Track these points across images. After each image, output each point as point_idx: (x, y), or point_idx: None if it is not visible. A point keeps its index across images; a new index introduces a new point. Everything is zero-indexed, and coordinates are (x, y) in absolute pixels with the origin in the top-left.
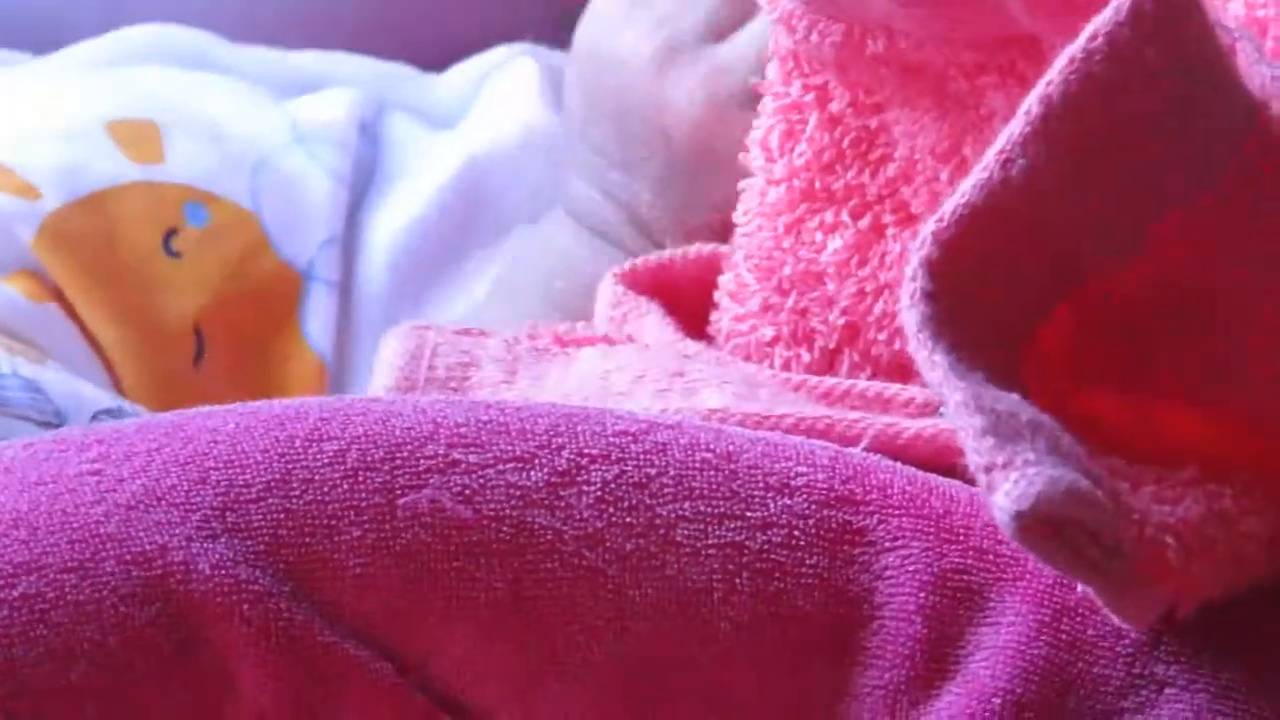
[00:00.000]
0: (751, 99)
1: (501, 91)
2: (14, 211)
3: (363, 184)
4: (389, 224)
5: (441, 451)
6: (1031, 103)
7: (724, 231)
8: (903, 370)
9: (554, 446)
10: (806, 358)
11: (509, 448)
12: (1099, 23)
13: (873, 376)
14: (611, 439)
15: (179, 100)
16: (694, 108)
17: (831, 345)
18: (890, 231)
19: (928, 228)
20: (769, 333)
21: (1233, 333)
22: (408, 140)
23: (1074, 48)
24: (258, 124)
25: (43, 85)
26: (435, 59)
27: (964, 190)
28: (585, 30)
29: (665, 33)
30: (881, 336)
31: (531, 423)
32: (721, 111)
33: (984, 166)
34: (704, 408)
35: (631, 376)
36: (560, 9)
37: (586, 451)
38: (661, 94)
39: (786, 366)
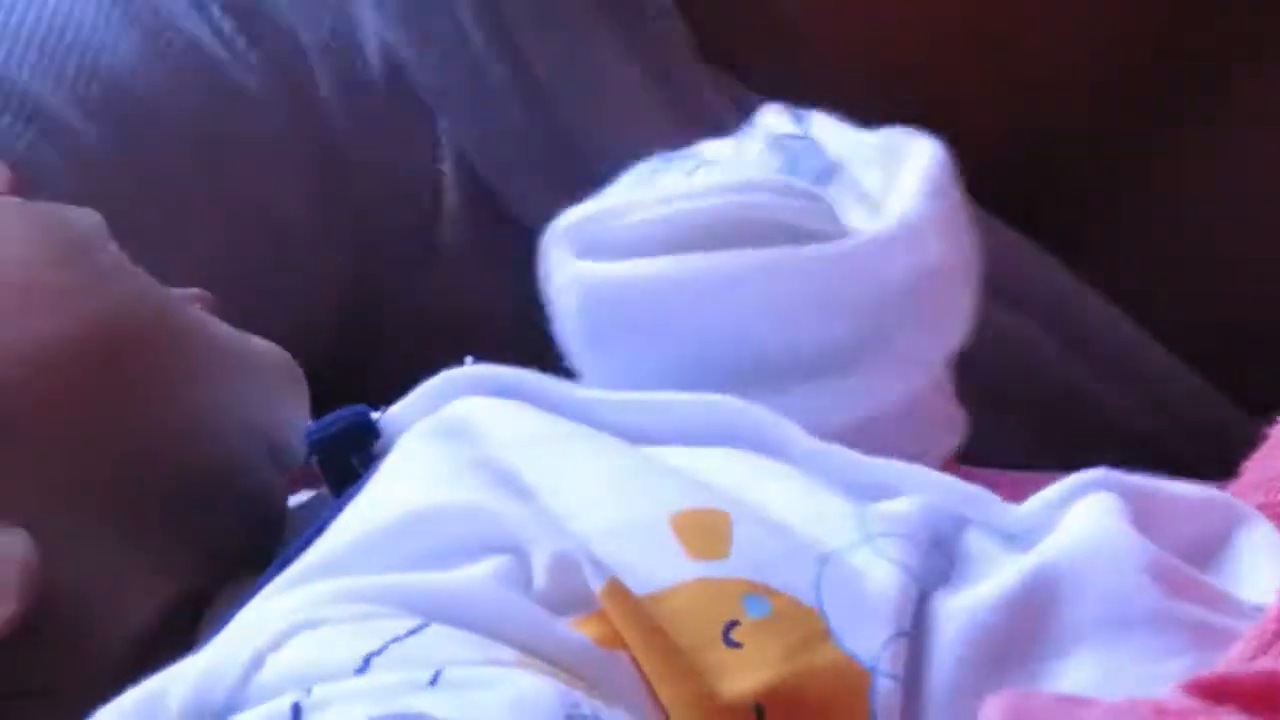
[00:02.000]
0: None
1: (1081, 519)
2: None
3: (933, 584)
4: (957, 619)
5: None
6: None
7: None
8: None
9: None
10: None
11: None
12: None
13: None
14: None
15: (749, 490)
16: None
17: None
18: None
19: None
20: None
21: None
22: (983, 556)
23: None
24: (824, 519)
25: (603, 463)
26: None
27: None
28: None
29: None
30: None
31: None
32: None
33: None
34: None
35: None
36: None
37: None
38: None
39: None
